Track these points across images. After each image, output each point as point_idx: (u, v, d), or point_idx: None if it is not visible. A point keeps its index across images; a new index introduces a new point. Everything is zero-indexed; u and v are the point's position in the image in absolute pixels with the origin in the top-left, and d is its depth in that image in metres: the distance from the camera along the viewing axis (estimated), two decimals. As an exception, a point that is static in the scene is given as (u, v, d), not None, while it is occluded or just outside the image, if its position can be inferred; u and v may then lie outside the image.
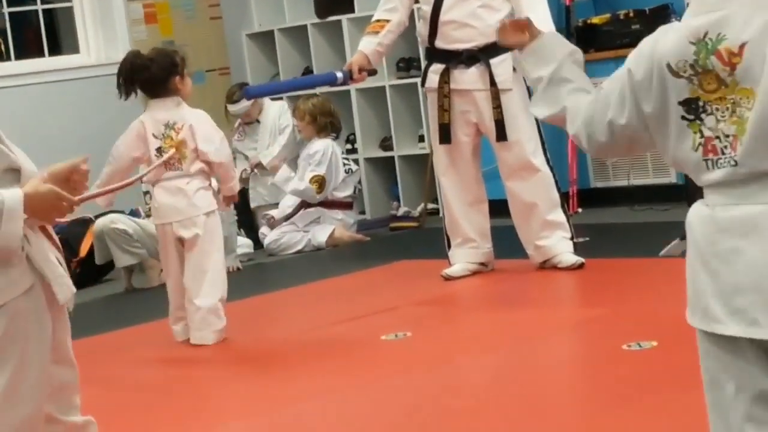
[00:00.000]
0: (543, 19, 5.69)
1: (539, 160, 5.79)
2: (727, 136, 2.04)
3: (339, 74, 5.99)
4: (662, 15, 7.39)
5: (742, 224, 2.03)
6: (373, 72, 6.08)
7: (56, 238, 2.79)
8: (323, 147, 7.82)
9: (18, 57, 8.40)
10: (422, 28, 5.94)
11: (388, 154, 8.65)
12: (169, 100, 5.28)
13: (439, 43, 5.83)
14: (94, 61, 8.59)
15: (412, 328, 5.01)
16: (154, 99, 5.29)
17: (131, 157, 5.37)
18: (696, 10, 2.09)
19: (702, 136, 2.07)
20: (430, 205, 8.26)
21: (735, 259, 2.03)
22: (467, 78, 5.78)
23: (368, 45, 5.96)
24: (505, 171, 5.86)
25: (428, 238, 7.47)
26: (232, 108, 8.24)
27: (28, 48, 8.62)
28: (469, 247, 5.93)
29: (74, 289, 2.75)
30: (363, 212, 8.73)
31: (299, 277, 6.83)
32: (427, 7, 5.83)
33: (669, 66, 2.09)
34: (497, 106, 5.73)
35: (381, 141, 8.76)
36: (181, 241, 5.26)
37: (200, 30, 9.03)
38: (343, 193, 7.98)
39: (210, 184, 5.36)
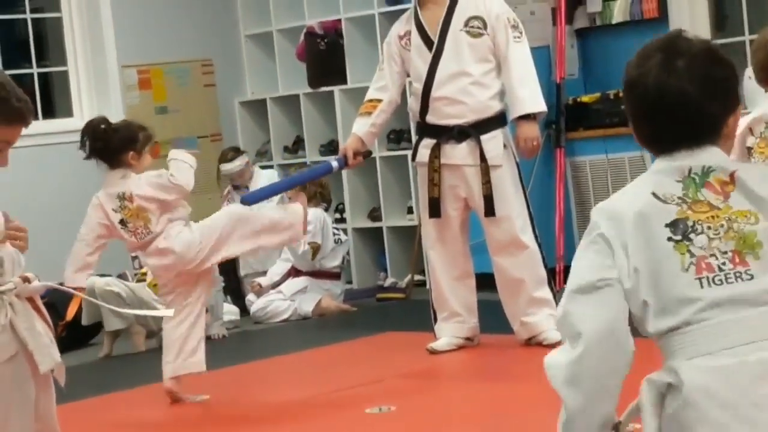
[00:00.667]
0: (533, 97, 5.76)
1: (527, 237, 5.83)
2: (725, 252, 2.02)
3: (334, 163, 6.06)
4: (651, 95, 7.48)
5: None
6: (367, 154, 6.15)
7: (44, 309, 2.84)
8: (314, 217, 7.85)
9: (11, 119, 8.42)
10: (414, 104, 6.00)
11: (377, 224, 8.68)
12: (117, 172, 5.36)
13: (431, 119, 5.88)
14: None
15: (396, 401, 5.00)
16: (108, 170, 5.39)
17: (97, 234, 5.40)
18: (670, 159, 2.14)
19: (692, 255, 2.03)
20: (417, 277, 8.28)
21: None
22: (458, 153, 5.83)
23: (361, 127, 6.02)
24: (493, 246, 5.90)
25: (415, 310, 7.47)
26: (225, 167, 8.28)
27: (21, 110, 8.65)
28: (455, 321, 5.95)
29: (59, 360, 2.79)
30: (350, 282, 8.73)
31: (284, 346, 6.83)
32: (418, 84, 5.89)
33: (655, 194, 2.09)
34: (487, 182, 5.77)
35: (370, 211, 8.80)
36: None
37: (194, 96, 9.10)
38: (332, 263, 8.00)
39: (185, 224, 5.41)
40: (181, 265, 5.31)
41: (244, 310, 7.96)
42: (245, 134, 9.33)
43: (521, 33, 5.80)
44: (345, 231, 8.65)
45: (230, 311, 7.76)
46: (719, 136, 2.12)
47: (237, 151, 8.43)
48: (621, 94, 8.19)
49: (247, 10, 9.31)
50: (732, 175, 2.05)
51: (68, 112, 8.74)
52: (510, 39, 5.74)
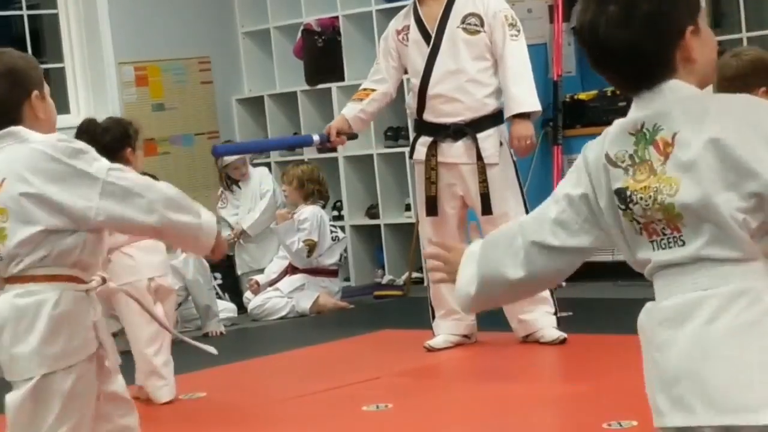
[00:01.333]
0: (528, 96, 5.75)
1: None
2: (660, 220, 2.08)
3: (316, 137, 6.02)
4: (649, 92, 7.48)
5: (677, 312, 2.07)
6: (353, 136, 6.08)
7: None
8: (310, 215, 7.85)
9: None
10: (411, 101, 5.99)
11: (374, 222, 8.68)
12: None
13: (428, 116, 5.88)
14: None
15: (393, 399, 5.00)
16: None
17: None
18: (635, 107, 2.14)
19: (639, 223, 2.11)
20: (415, 274, 8.28)
21: (669, 348, 2.07)
22: (454, 151, 5.82)
23: (350, 111, 6.00)
24: None
25: (412, 307, 7.47)
26: (227, 157, 8.31)
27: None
28: (452, 318, 5.94)
29: (119, 360, 3.15)
30: (348, 279, 8.73)
31: (282, 343, 6.82)
32: (415, 80, 5.88)
33: (608, 156, 2.13)
34: (483, 180, 5.76)
35: (367, 209, 8.80)
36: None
37: (191, 94, 9.09)
38: (329, 261, 7.99)
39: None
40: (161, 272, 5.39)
41: (241, 308, 7.96)
42: (242, 131, 9.33)
43: (519, 31, 5.78)
44: (342, 228, 8.65)
45: (228, 308, 7.76)
46: (672, 68, 2.09)
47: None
48: (618, 92, 8.22)
49: (245, 7, 9.31)
50: (674, 137, 2.06)
51: (65, 109, 8.72)
52: (507, 37, 5.72)
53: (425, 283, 8.23)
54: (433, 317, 6.04)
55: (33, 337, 2.86)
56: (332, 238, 7.98)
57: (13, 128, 3.01)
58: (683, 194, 2.04)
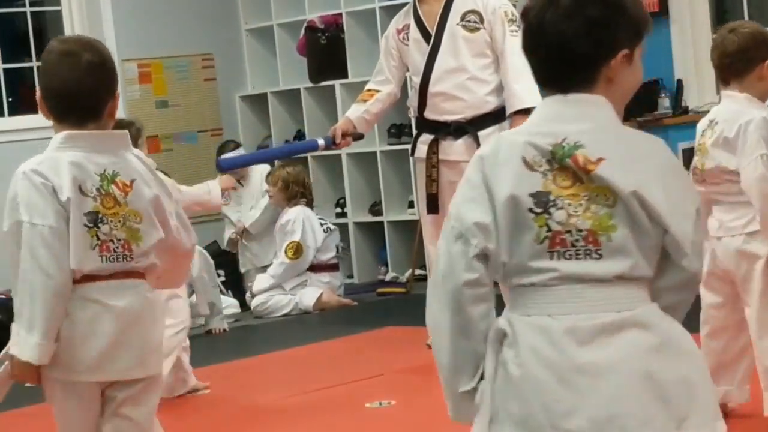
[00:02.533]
0: (528, 92, 5.74)
1: None
2: (581, 230, 2.04)
3: (321, 141, 6.00)
4: (652, 89, 7.47)
5: (598, 334, 2.02)
6: (359, 137, 6.07)
7: None
8: (294, 215, 7.84)
9: (12, 113, 8.44)
10: (413, 99, 5.99)
11: (378, 219, 8.68)
12: None
13: (429, 114, 5.87)
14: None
15: (396, 396, 5.01)
16: None
17: None
18: (551, 114, 2.13)
19: (549, 229, 2.06)
20: (418, 272, 8.28)
21: (600, 373, 2.01)
22: (455, 149, 5.81)
23: (354, 112, 6.00)
24: None
25: (415, 305, 7.45)
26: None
27: (22, 104, 8.67)
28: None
29: None
30: (351, 276, 8.74)
31: (285, 340, 6.83)
32: (416, 79, 5.88)
33: (524, 160, 2.09)
34: None
35: (370, 206, 8.80)
36: None
37: (194, 91, 9.10)
38: (327, 255, 7.96)
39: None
40: None
41: (244, 304, 7.97)
42: (246, 129, 9.33)
43: (519, 27, 5.76)
44: (345, 226, 8.66)
45: (231, 304, 7.76)
46: (593, 80, 2.09)
47: (237, 145, 8.45)
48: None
49: (248, 4, 9.31)
50: (599, 161, 2.05)
51: (68, 107, 8.73)
52: (507, 33, 5.71)
53: (428, 280, 8.24)
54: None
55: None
56: (324, 230, 7.94)
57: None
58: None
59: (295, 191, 7.89)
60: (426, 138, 5.89)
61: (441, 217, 5.90)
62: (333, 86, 8.76)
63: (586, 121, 2.09)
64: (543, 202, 2.06)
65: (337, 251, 8.08)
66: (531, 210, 2.07)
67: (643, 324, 2.02)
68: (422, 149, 5.90)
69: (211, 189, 5.99)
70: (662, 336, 2.03)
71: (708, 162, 3.91)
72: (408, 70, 6.04)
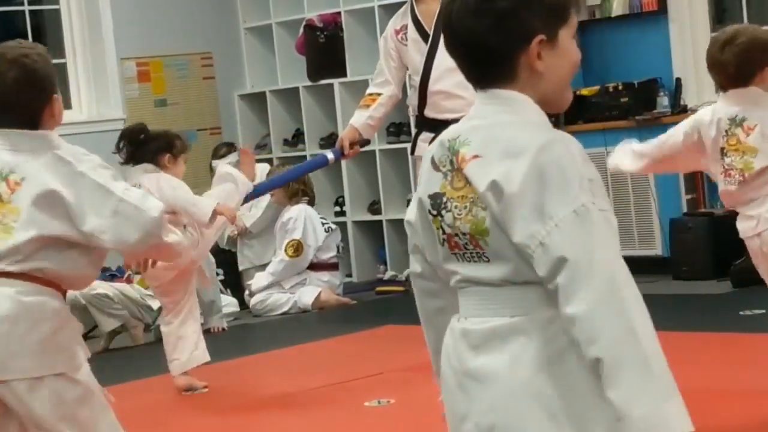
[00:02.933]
0: None
1: None
2: (465, 233, 1.97)
3: (330, 155, 5.99)
4: (650, 88, 7.47)
5: (488, 339, 1.96)
6: (365, 143, 6.08)
7: None
8: (296, 213, 7.83)
9: (10, 111, 8.43)
10: (413, 97, 5.99)
11: (377, 217, 8.68)
12: (141, 167, 5.47)
13: (429, 113, 5.87)
14: (86, 117, 8.64)
15: (395, 394, 5.01)
16: (135, 166, 5.50)
17: None
18: (470, 115, 2.08)
19: (444, 232, 2.01)
20: (417, 270, 8.28)
21: (486, 379, 1.96)
22: None
23: (359, 119, 6.00)
24: None
25: (414, 304, 7.47)
26: (216, 163, 8.28)
27: (20, 103, 8.66)
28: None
29: None
30: (350, 275, 8.74)
31: (284, 339, 6.83)
32: (416, 77, 5.89)
33: (432, 160, 2.06)
34: None
35: (369, 205, 8.80)
36: None
37: (193, 89, 9.09)
38: (327, 255, 7.97)
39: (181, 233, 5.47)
40: (182, 265, 5.40)
41: (243, 303, 7.97)
42: (245, 127, 9.33)
43: None
44: (344, 224, 8.66)
45: (230, 303, 7.76)
46: (513, 72, 2.00)
47: (230, 147, 8.39)
48: (621, 87, 8.19)
49: (247, 2, 9.30)
50: (472, 158, 1.98)
51: (67, 105, 8.72)
52: None
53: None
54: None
55: None
56: (325, 230, 7.95)
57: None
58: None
59: (296, 189, 7.88)
60: (426, 136, 5.89)
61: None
62: (332, 85, 8.76)
63: (487, 117, 2.02)
64: (437, 204, 2.02)
65: (338, 251, 8.08)
66: (429, 212, 2.03)
67: (530, 331, 1.93)
68: (422, 147, 5.90)
69: (198, 203, 5.90)
70: (548, 346, 1.92)
71: (759, 161, 3.82)
72: (408, 70, 6.04)
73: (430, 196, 2.03)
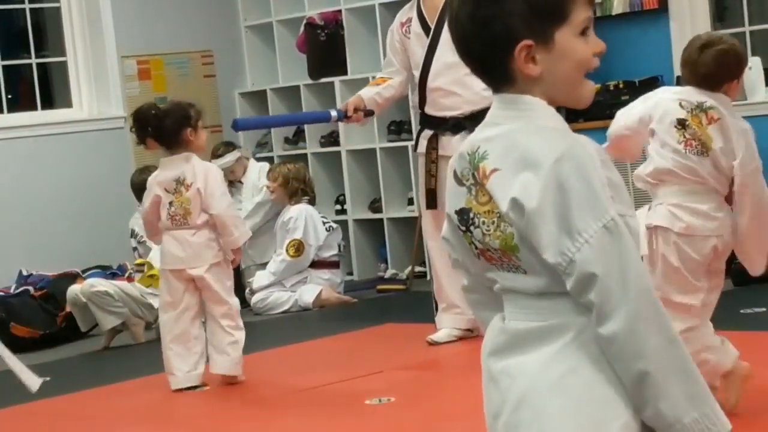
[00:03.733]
0: None
1: None
2: (496, 249, 1.94)
3: (333, 113, 5.99)
4: (652, 86, 7.46)
5: (524, 339, 1.94)
6: (370, 113, 6.03)
7: None
8: (297, 212, 7.82)
9: (11, 110, 8.43)
10: (412, 95, 6.00)
11: (377, 216, 8.68)
12: (179, 157, 5.48)
13: (429, 110, 5.89)
14: (87, 115, 8.64)
15: (396, 393, 5.01)
16: (166, 153, 5.52)
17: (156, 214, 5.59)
18: (485, 121, 2.02)
19: (476, 247, 1.98)
20: (418, 268, 8.28)
21: (518, 376, 1.94)
22: (454, 145, 5.82)
23: (367, 92, 5.98)
24: None
25: (415, 302, 7.48)
26: (216, 163, 8.27)
27: (21, 101, 8.66)
28: (454, 312, 5.94)
29: None
30: (350, 273, 8.74)
31: (285, 337, 6.83)
32: (416, 73, 5.90)
33: (455, 174, 2.01)
34: None
35: (370, 203, 8.80)
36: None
37: (194, 87, 9.08)
38: (328, 253, 7.97)
39: (216, 237, 5.54)
40: (190, 265, 5.43)
41: (244, 301, 7.95)
42: (245, 125, 9.31)
43: None
44: (345, 222, 8.65)
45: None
46: (508, 76, 1.96)
47: (228, 146, 8.37)
48: (622, 86, 8.17)
49: (248, 0, 9.30)
50: (493, 172, 1.93)
51: (67, 103, 8.73)
52: None
53: (428, 277, 8.23)
54: (437, 311, 6.04)
55: None
56: (326, 229, 7.95)
57: None
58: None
59: (296, 188, 7.88)
60: (427, 133, 5.90)
61: (440, 212, 5.90)
62: (332, 83, 8.75)
63: (501, 123, 1.97)
64: (465, 219, 1.98)
65: (339, 249, 8.07)
66: (458, 228, 2.00)
67: (565, 335, 1.91)
68: (423, 144, 5.91)
69: (240, 227, 5.90)
70: (580, 350, 1.91)
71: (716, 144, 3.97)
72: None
73: (457, 212, 1.99)
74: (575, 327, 1.91)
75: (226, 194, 5.61)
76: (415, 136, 6.14)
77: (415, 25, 5.89)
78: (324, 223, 7.97)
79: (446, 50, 5.78)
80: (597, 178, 1.87)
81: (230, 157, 8.22)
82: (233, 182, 8.34)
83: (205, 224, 5.48)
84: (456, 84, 5.77)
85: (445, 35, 5.79)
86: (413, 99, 6.04)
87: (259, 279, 7.88)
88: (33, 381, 3.02)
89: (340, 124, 8.62)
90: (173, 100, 5.84)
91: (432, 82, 5.82)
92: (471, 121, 5.77)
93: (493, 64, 1.98)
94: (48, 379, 3.08)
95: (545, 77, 1.96)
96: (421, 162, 5.98)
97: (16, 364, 2.96)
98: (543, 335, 1.93)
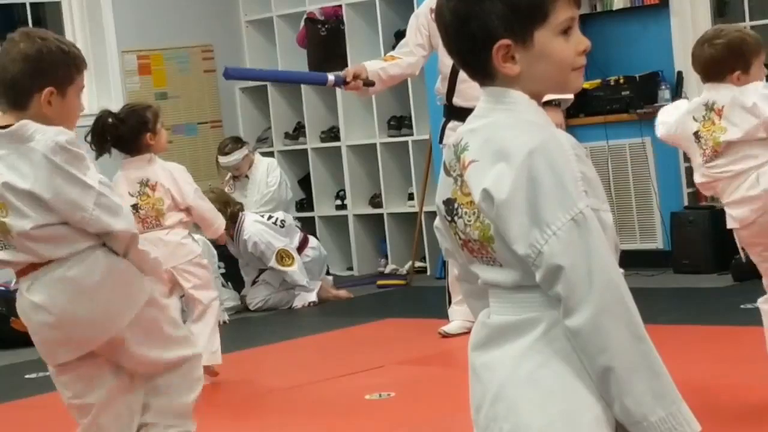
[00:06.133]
0: None
1: None
2: (476, 240, 1.95)
3: (331, 76, 5.81)
4: (652, 82, 7.46)
5: (500, 333, 1.96)
6: (369, 83, 5.93)
7: None
8: (249, 235, 7.59)
9: (11, 104, 8.43)
10: (441, 85, 5.97)
11: (377, 211, 8.68)
12: (141, 158, 5.38)
13: (457, 101, 5.86)
14: (87, 111, 8.56)
15: (396, 387, 5.01)
16: (127, 158, 5.40)
17: None
18: (473, 113, 2.04)
19: (459, 238, 1.99)
20: (418, 264, 8.28)
21: (495, 370, 1.96)
22: None
23: (372, 65, 5.84)
24: None
25: (415, 297, 7.48)
26: (222, 160, 8.25)
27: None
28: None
29: None
30: (351, 268, 8.74)
31: (284, 332, 6.83)
32: (447, 61, 5.86)
33: (444, 164, 2.03)
34: None
35: (370, 198, 8.80)
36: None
37: (194, 82, 9.09)
38: (295, 241, 7.78)
39: (189, 234, 5.49)
40: (167, 265, 5.38)
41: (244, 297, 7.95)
42: (246, 121, 9.32)
43: None
44: (345, 218, 8.66)
45: (230, 297, 7.75)
46: (490, 76, 1.98)
47: (236, 142, 8.32)
48: (622, 81, 8.16)
49: (248, -5, 9.30)
50: (470, 164, 1.95)
51: (68, 98, 8.72)
52: None
53: (428, 273, 8.24)
54: (450, 303, 6.02)
55: None
56: (279, 226, 7.78)
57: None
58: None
59: (226, 211, 7.36)
60: (454, 125, 5.89)
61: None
62: (333, 78, 8.74)
63: (486, 116, 1.99)
64: (450, 210, 2.00)
65: (300, 230, 7.94)
66: (445, 218, 2.02)
67: (537, 329, 1.92)
68: (450, 136, 5.90)
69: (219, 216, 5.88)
70: (553, 343, 1.91)
71: (726, 136, 4.05)
72: (428, 51, 5.95)
73: (444, 202, 2.01)
74: (546, 320, 1.91)
75: (197, 188, 5.51)
76: (440, 127, 6.08)
77: None
78: (274, 223, 7.77)
79: None
80: (569, 172, 1.87)
81: (237, 155, 8.18)
82: (238, 177, 8.32)
83: (179, 224, 5.40)
84: None
85: None
86: (439, 89, 6.01)
87: (253, 294, 7.77)
88: None
89: (340, 119, 8.62)
90: (130, 105, 5.69)
91: (463, 74, 5.81)
92: None
93: (473, 60, 1.99)
94: None
95: (525, 76, 1.96)
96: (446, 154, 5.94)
97: None
98: (518, 329, 1.94)
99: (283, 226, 7.77)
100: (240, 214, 7.68)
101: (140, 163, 5.39)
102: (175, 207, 5.39)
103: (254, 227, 7.65)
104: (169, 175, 5.40)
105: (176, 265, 5.39)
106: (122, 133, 5.29)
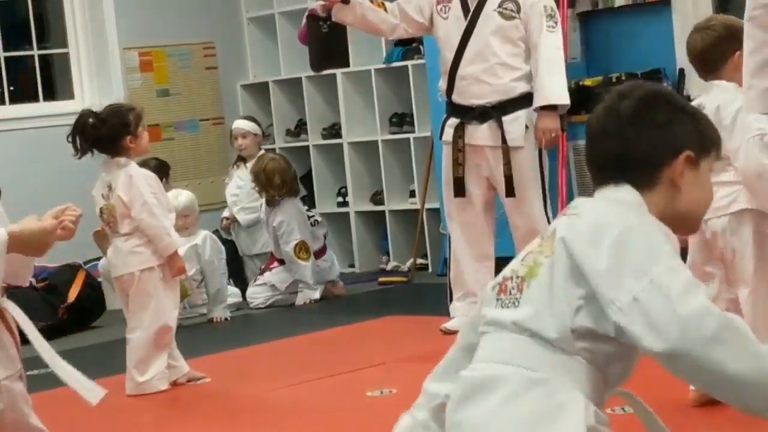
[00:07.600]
0: (558, 88, 5.76)
1: (542, 224, 5.76)
2: (519, 277, 2.02)
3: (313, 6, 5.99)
4: (654, 79, 7.45)
5: (478, 388, 2.02)
6: (345, 1, 6.01)
7: (12, 320, 2.90)
8: (285, 215, 7.60)
9: (12, 101, 8.43)
10: (442, 82, 6.00)
11: (379, 208, 8.68)
12: (115, 162, 5.30)
13: (456, 98, 5.90)
14: (88, 107, 8.61)
15: (397, 385, 5.01)
16: (107, 159, 5.34)
17: None
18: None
19: (503, 276, 2.06)
20: (420, 261, 8.28)
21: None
22: (480, 134, 5.83)
23: None
24: (517, 237, 5.88)
25: (417, 294, 7.48)
26: (238, 122, 8.32)
27: (23, 92, 8.66)
28: (469, 301, 5.90)
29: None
30: (352, 265, 8.74)
31: (287, 329, 6.82)
32: (449, 56, 5.87)
33: None
34: (507, 163, 5.78)
35: (372, 195, 8.79)
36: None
37: (195, 79, 9.09)
38: (316, 245, 7.79)
39: (146, 242, 5.32)
40: (120, 272, 5.36)
41: (246, 294, 7.94)
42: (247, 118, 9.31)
43: (556, 23, 5.81)
44: (347, 215, 8.66)
45: (233, 293, 7.75)
46: (652, 183, 2.07)
47: (254, 120, 8.40)
48: (624, 78, 8.16)
49: (249, -8, 9.30)
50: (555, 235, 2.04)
51: (69, 95, 8.73)
52: (543, 28, 5.74)
53: (429, 270, 8.24)
54: (451, 299, 6.02)
55: None
56: (311, 223, 7.79)
57: None
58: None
59: (279, 184, 7.53)
60: (453, 122, 5.90)
61: (466, 200, 5.90)
62: (334, 75, 8.74)
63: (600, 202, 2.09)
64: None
65: (324, 239, 7.96)
66: None
67: (516, 384, 1.97)
68: (449, 133, 5.91)
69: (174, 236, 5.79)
70: (533, 404, 1.95)
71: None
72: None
73: None
74: (535, 378, 1.95)
75: (150, 203, 5.27)
76: (441, 124, 6.10)
77: (456, 8, 5.88)
78: (309, 217, 7.82)
79: (478, 39, 5.80)
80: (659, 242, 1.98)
81: (253, 125, 8.22)
82: (245, 159, 8.26)
83: (135, 231, 5.29)
84: (486, 73, 5.79)
85: (480, 23, 5.79)
86: (441, 85, 6.03)
87: (255, 294, 7.77)
88: (93, 394, 2.89)
89: (342, 116, 8.61)
90: (112, 106, 5.59)
91: (462, 70, 5.84)
92: (498, 110, 5.78)
93: (647, 166, 2.06)
94: (107, 391, 2.98)
95: (683, 192, 2.06)
96: (446, 151, 5.97)
97: (71, 375, 2.84)
98: (495, 384, 1.99)
99: (314, 225, 7.78)
100: (291, 194, 7.61)
101: (112, 166, 5.32)
102: (128, 215, 5.31)
103: (294, 208, 7.63)
104: (128, 182, 5.26)
105: (125, 273, 5.32)
106: (102, 134, 5.22)
